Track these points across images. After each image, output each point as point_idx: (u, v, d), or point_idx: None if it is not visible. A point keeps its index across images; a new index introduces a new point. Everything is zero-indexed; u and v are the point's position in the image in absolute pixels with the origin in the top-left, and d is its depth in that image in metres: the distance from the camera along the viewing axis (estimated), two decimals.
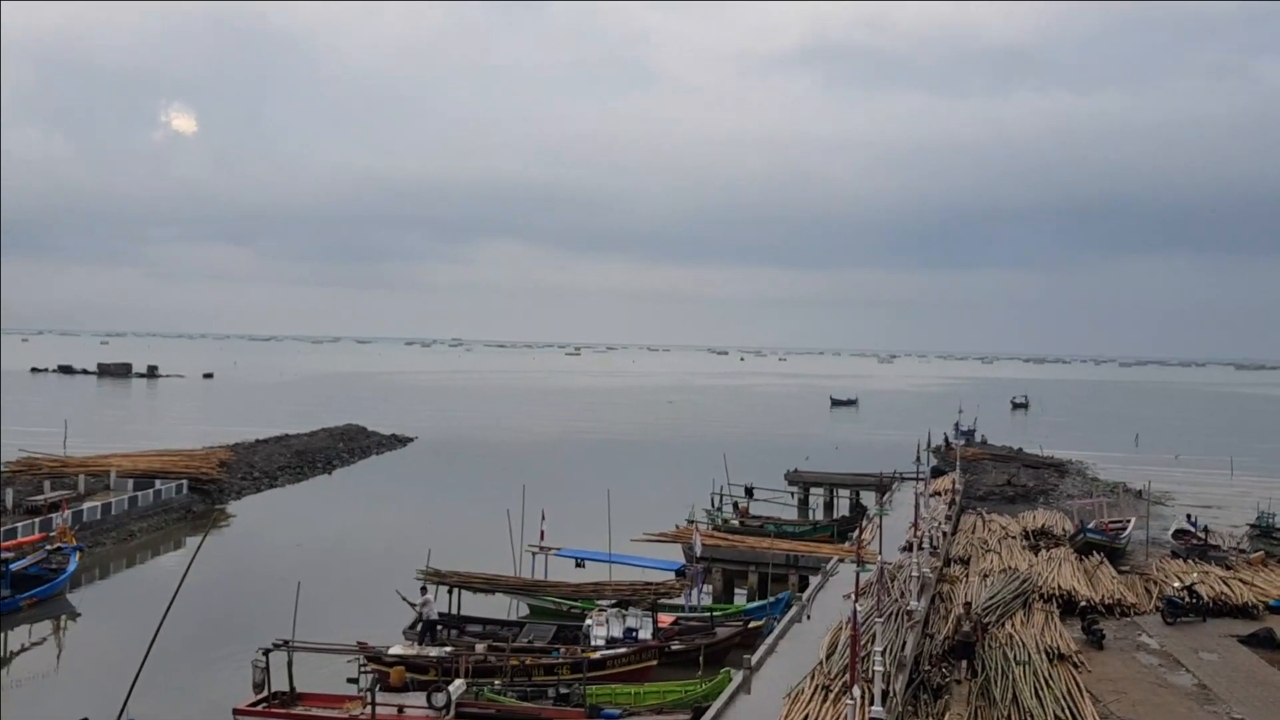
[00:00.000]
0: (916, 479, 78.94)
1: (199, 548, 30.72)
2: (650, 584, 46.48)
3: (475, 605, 47.31)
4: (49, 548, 53.61)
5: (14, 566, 49.76)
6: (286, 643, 32.92)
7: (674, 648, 40.24)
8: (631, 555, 53.85)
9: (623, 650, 38.06)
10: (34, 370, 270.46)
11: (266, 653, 32.59)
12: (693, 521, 63.45)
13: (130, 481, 75.55)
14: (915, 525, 53.68)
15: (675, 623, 43.54)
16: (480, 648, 38.14)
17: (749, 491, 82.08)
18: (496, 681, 34.07)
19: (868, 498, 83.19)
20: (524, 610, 47.82)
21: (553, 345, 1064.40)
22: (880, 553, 46.34)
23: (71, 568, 52.51)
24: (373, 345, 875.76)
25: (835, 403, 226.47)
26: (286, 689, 32.45)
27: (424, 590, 42.20)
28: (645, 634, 40.45)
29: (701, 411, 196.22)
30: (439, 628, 42.14)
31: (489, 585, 46.67)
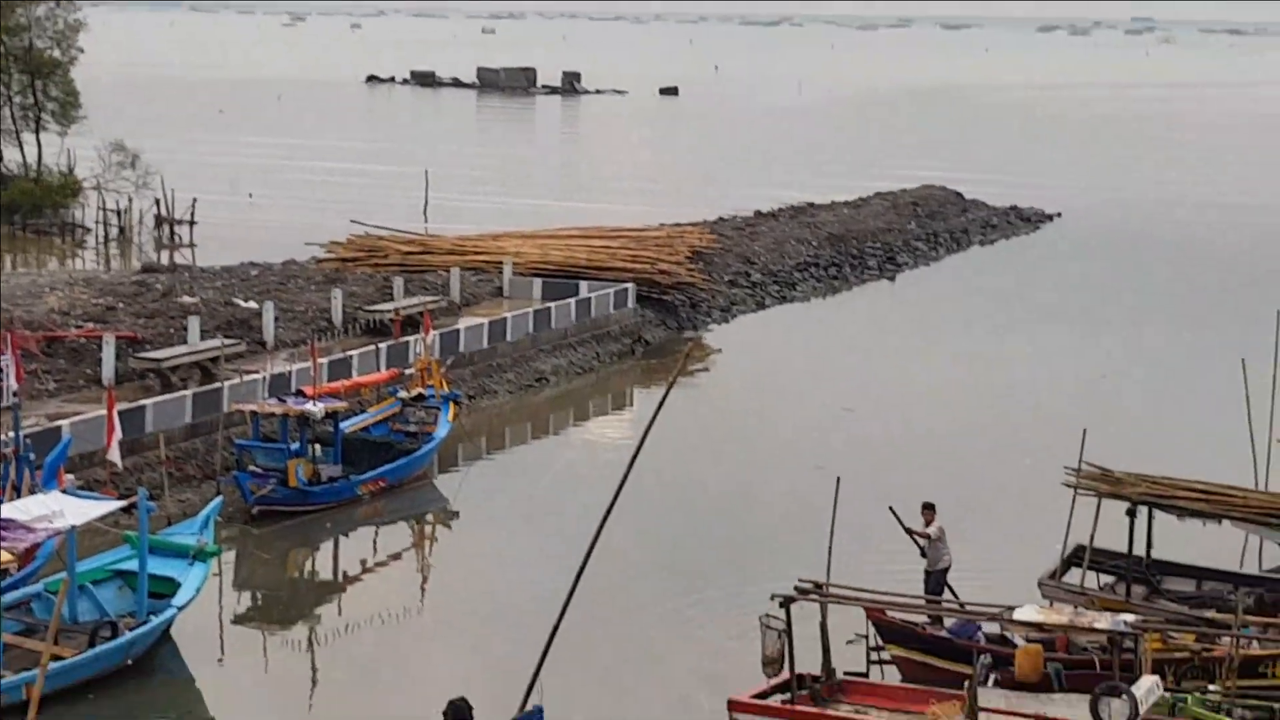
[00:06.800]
0: None
1: (657, 412, 19.20)
2: None
3: (1183, 541, 29.96)
4: (404, 395, 36.71)
5: (346, 426, 33.79)
6: (819, 587, 22.99)
7: None
8: None
9: None
10: (372, 80, 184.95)
11: (786, 604, 22.21)
12: None
13: (537, 283, 50.87)
14: None
15: None
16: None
17: None
18: (1214, 685, 23.84)
19: None
20: (1275, 554, 31.09)
21: None
22: None
23: (441, 431, 35.85)
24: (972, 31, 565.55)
25: None
26: (819, 670, 22.79)
27: (930, 509, 26.81)
28: None
29: None
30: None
31: (1210, 505, 29.44)
